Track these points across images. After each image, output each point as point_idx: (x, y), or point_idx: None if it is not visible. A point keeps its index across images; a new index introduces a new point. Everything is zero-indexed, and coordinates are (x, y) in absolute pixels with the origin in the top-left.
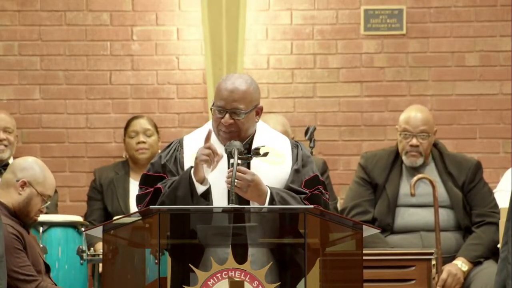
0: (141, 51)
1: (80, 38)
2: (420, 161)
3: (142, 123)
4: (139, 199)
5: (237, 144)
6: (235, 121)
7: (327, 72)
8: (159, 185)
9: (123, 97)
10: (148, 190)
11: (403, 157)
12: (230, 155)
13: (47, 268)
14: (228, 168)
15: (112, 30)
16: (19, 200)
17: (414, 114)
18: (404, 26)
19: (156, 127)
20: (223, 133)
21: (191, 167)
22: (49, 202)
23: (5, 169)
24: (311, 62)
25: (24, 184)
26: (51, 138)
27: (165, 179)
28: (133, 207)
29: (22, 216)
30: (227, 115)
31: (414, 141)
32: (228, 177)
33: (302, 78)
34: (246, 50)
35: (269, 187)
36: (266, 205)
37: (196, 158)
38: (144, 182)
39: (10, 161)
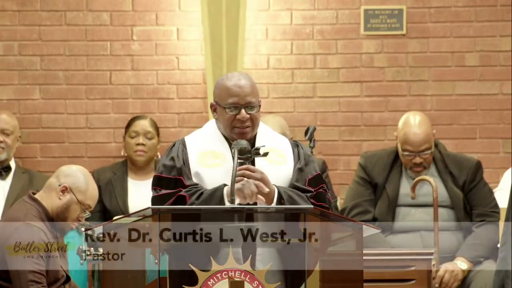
0: (141, 51)
1: (80, 38)
2: (425, 172)
3: (144, 125)
4: (158, 201)
5: (244, 143)
6: (250, 116)
7: (327, 72)
8: (184, 193)
9: (123, 97)
10: (165, 192)
11: (408, 171)
12: (238, 153)
13: (68, 279)
14: (234, 167)
15: (112, 30)
16: (58, 205)
17: (413, 133)
18: (404, 26)
19: (157, 129)
20: (239, 129)
21: (224, 184)
22: (89, 213)
23: (5, 171)
24: (311, 62)
25: (65, 189)
26: (51, 138)
27: (182, 184)
28: (132, 207)
29: (59, 221)
30: (243, 110)
31: (417, 159)
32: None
33: (302, 78)
34: (246, 50)
35: (276, 186)
36: (275, 203)
37: (238, 189)
38: (158, 183)
39: (12, 163)
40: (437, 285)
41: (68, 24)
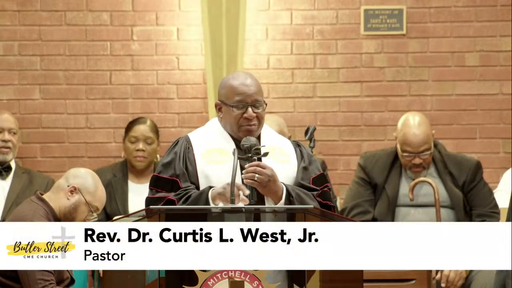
0: (141, 51)
1: (80, 38)
2: (424, 173)
3: (144, 130)
4: (150, 203)
5: (253, 140)
6: (257, 114)
7: (327, 72)
8: (172, 197)
9: (123, 97)
10: (159, 195)
11: (407, 171)
12: (247, 150)
13: (73, 281)
14: (243, 165)
15: (112, 30)
16: (65, 205)
17: (412, 133)
18: (404, 26)
19: (157, 132)
20: (245, 127)
21: (210, 187)
22: (96, 216)
23: (6, 171)
24: (311, 62)
25: (73, 190)
26: (51, 138)
27: (178, 186)
28: (132, 209)
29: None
30: (250, 109)
31: (417, 160)
32: (245, 172)
33: (302, 78)
34: (246, 50)
35: (283, 183)
36: (283, 200)
37: (222, 194)
38: (155, 184)
39: (12, 163)
40: (443, 285)
41: (68, 24)
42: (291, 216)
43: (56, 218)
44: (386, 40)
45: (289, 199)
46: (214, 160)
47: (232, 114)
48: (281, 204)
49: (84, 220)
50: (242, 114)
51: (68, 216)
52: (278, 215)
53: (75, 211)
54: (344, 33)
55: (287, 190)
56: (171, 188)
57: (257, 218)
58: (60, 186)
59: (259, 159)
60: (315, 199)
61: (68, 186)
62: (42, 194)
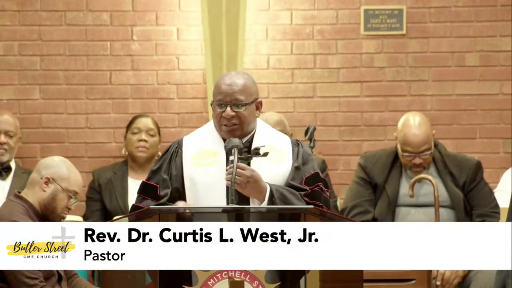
0: (141, 51)
1: (80, 38)
2: (424, 173)
3: (146, 122)
4: (132, 210)
5: (236, 141)
6: (237, 114)
7: (327, 72)
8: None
9: (123, 97)
10: (141, 204)
11: (408, 171)
12: (230, 152)
13: (60, 277)
14: (227, 166)
15: (112, 30)
16: (43, 197)
17: (412, 133)
18: (404, 26)
19: (158, 129)
20: (225, 127)
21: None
22: (77, 199)
23: (5, 171)
24: (311, 62)
25: (48, 181)
26: (51, 138)
27: (157, 191)
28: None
29: (48, 213)
30: (228, 108)
31: (417, 160)
32: (227, 174)
33: (302, 78)
34: (246, 50)
35: (268, 183)
36: (266, 201)
37: None
38: (142, 190)
39: (12, 163)
40: (438, 283)
41: (68, 24)
42: (283, 216)
43: (37, 212)
44: (386, 40)
45: (272, 200)
46: (202, 162)
47: (215, 112)
48: (265, 204)
49: (66, 207)
50: (221, 113)
51: (49, 207)
52: (264, 215)
53: (54, 201)
54: (344, 33)
55: (271, 191)
56: (154, 195)
57: (239, 219)
58: (34, 180)
59: (248, 163)
60: (302, 199)
61: (41, 178)
62: (19, 192)
